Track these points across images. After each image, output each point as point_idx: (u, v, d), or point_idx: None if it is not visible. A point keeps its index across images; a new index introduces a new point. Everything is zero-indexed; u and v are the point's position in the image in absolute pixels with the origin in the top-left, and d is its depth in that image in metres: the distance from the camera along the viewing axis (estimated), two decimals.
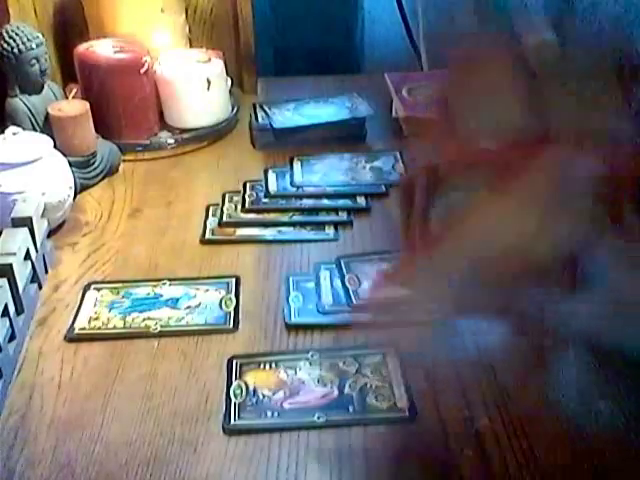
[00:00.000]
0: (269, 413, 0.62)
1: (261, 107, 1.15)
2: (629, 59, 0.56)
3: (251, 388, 0.65)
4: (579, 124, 0.51)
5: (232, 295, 0.77)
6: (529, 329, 0.59)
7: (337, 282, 0.78)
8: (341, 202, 0.93)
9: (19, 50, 0.92)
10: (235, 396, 0.64)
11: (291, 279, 0.79)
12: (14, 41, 0.92)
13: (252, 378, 0.66)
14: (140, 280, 0.80)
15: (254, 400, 0.64)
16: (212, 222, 0.90)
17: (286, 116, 1.11)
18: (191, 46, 1.20)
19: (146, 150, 1.07)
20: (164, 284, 0.79)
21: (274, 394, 0.64)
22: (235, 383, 0.66)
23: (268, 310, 0.75)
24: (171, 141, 1.08)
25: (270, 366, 0.68)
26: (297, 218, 0.91)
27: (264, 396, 0.64)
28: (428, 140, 0.59)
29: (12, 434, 0.61)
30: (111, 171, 1.01)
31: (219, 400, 0.64)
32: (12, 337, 0.69)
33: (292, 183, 0.97)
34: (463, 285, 0.53)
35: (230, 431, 0.61)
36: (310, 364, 0.68)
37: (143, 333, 0.72)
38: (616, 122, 0.51)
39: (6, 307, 0.68)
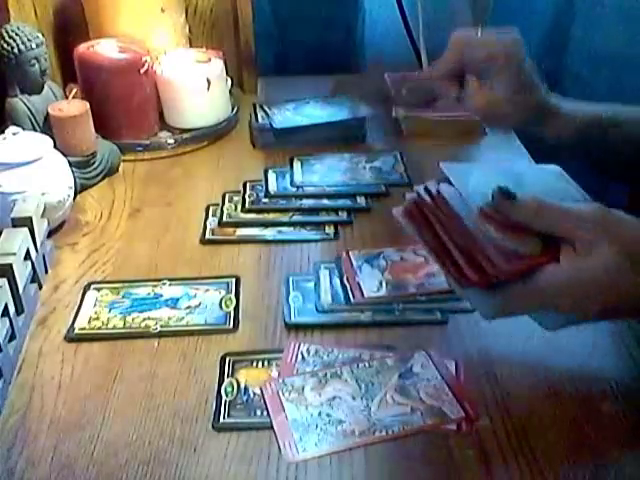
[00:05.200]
0: (259, 412, 0.63)
1: (261, 107, 1.15)
2: None
3: (242, 386, 0.65)
4: None
5: (232, 295, 0.77)
6: None
7: (336, 281, 0.78)
8: (341, 202, 0.93)
9: (19, 50, 0.92)
10: (226, 394, 0.64)
11: (291, 279, 0.79)
12: (14, 41, 0.92)
13: (244, 376, 0.66)
14: (140, 280, 0.80)
15: (244, 398, 0.64)
16: (212, 222, 0.90)
17: (286, 116, 1.11)
18: (191, 46, 1.20)
19: (146, 150, 1.07)
20: (164, 284, 0.79)
21: None
22: (227, 381, 0.66)
23: (268, 310, 0.75)
24: (171, 141, 1.08)
25: (262, 364, 0.68)
26: (297, 218, 0.91)
27: (255, 394, 0.64)
28: None
29: (12, 434, 0.61)
30: (111, 171, 1.01)
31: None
32: (12, 337, 0.69)
33: (292, 183, 0.97)
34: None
35: (219, 429, 0.61)
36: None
37: (143, 333, 0.72)
38: None
39: (6, 307, 0.68)
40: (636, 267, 0.53)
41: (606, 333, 0.70)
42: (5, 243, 0.73)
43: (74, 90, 1.12)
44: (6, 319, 0.68)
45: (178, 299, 0.77)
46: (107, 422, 0.62)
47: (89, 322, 0.74)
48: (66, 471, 0.58)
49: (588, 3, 1.27)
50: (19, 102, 0.95)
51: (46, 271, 0.81)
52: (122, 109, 1.05)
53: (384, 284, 0.77)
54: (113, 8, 1.10)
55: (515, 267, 0.55)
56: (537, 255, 0.55)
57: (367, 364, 0.67)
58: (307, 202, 0.94)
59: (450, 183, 0.61)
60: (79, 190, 0.95)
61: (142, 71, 1.04)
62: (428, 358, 0.67)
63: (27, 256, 0.75)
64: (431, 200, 0.60)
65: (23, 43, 0.93)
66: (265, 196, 0.95)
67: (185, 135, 1.09)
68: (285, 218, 0.91)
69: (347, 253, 0.83)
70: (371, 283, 0.77)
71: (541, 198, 0.56)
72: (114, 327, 0.73)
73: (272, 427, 0.61)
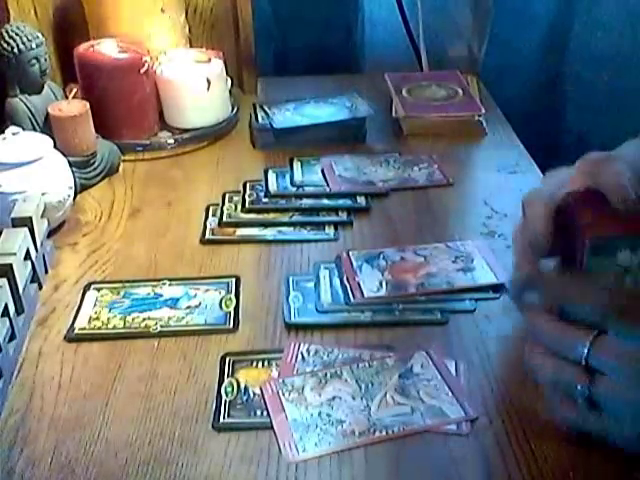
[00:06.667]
0: (259, 412, 0.63)
1: (261, 107, 1.15)
2: None
3: (242, 386, 0.65)
4: None
5: (232, 295, 0.77)
6: None
7: (336, 281, 0.78)
8: (341, 202, 0.93)
9: (19, 50, 0.92)
10: (226, 394, 0.64)
11: (291, 279, 0.79)
12: (14, 41, 0.92)
13: (244, 376, 0.66)
14: (140, 280, 0.80)
15: (244, 398, 0.64)
16: (212, 222, 0.90)
17: (286, 116, 1.11)
18: (191, 46, 1.20)
19: (146, 150, 1.07)
20: (164, 284, 0.79)
21: None
22: (227, 381, 0.66)
23: (268, 310, 0.75)
24: (171, 141, 1.08)
25: (262, 364, 0.68)
26: (297, 218, 0.91)
27: (255, 394, 0.64)
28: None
29: (12, 434, 0.61)
30: (111, 171, 1.01)
31: None
32: (12, 337, 0.69)
33: (292, 183, 0.97)
34: None
35: (219, 429, 0.61)
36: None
37: (143, 333, 0.72)
38: None
39: (6, 307, 0.68)
40: None
41: None
42: (5, 243, 0.73)
43: (74, 90, 1.12)
44: (6, 319, 0.68)
45: (178, 299, 0.77)
46: (107, 422, 0.62)
47: (89, 322, 0.74)
48: (66, 471, 0.58)
49: (588, 3, 1.27)
50: (19, 102, 0.95)
51: (46, 271, 0.81)
52: (122, 109, 1.05)
53: (384, 284, 0.77)
54: (113, 8, 1.10)
55: None
56: None
57: (367, 364, 0.67)
58: (307, 202, 0.94)
59: None
60: (79, 190, 0.95)
61: (142, 71, 1.04)
62: (428, 358, 0.67)
63: (27, 256, 0.75)
64: None
65: (23, 43, 0.93)
66: (265, 196, 0.95)
67: (185, 135, 1.09)
68: (285, 218, 0.91)
69: (347, 253, 0.83)
70: (371, 283, 0.77)
71: None
72: (114, 327, 0.73)
73: (272, 427, 0.61)
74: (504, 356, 0.69)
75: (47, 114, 0.95)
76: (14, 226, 0.77)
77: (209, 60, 1.11)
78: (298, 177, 0.99)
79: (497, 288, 0.77)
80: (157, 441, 0.60)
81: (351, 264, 0.81)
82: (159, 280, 0.79)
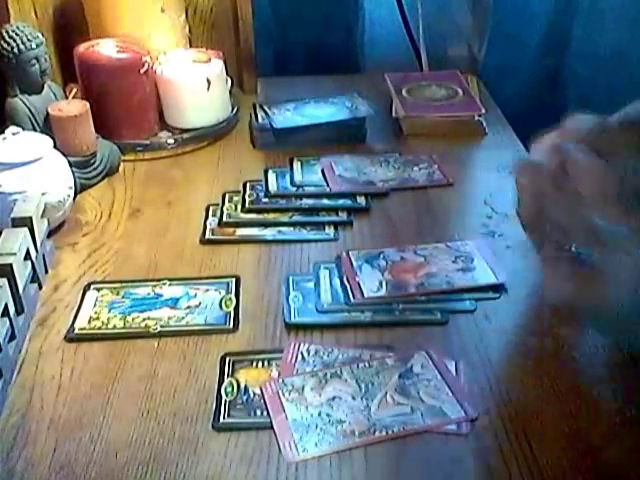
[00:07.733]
0: (259, 412, 0.63)
1: (261, 107, 1.15)
2: None
3: (242, 386, 0.65)
4: None
5: (232, 295, 0.77)
6: None
7: (336, 281, 0.78)
8: (341, 202, 0.93)
9: (19, 50, 0.92)
10: (226, 394, 0.64)
11: (291, 279, 0.79)
12: (14, 41, 0.92)
13: (244, 376, 0.66)
14: (140, 280, 0.80)
15: (244, 398, 0.64)
16: (212, 222, 0.90)
17: (286, 116, 1.11)
18: (191, 46, 1.20)
19: (146, 150, 1.07)
20: (164, 284, 0.79)
21: None
22: (227, 381, 0.66)
23: (268, 310, 0.75)
24: (171, 141, 1.08)
25: (262, 364, 0.68)
26: (297, 218, 0.91)
27: (255, 394, 0.64)
28: None
29: (12, 434, 0.61)
30: (111, 171, 1.01)
31: None
32: (12, 337, 0.69)
33: (292, 183, 0.97)
34: None
35: (219, 429, 0.61)
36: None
37: (143, 333, 0.72)
38: None
39: (6, 307, 0.68)
40: None
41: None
42: (5, 243, 0.73)
43: (74, 90, 1.12)
44: (6, 319, 0.68)
45: (178, 299, 0.77)
46: (107, 422, 0.62)
47: (89, 322, 0.74)
48: (66, 471, 0.58)
49: (588, 3, 1.28)
50: (19, 102, 0.95)
51: (46, 271, 0.81)
52: (122, 109, 1.05)
53: (384, 284, 0.77)
54: (113, 8, 1.10)
55: None
56: None
57: (367, 364, 0.67)
58: (307, 202, 0.94)
59: None
60: (79, 190, 0.95)
61: (142, 71, 1.04)
62: (428, 358, 0.67)
63: (27, 256, 0.76)
64: None
65: (23, 43, 0.93)
66: (265, 196, 0.95)
67: (185, 135, 1.09)
68: (285, 218, 0.91)
69: (347, 253, 0.83)
70: (371, 283, 0.77)
71: None
72: (114, 327, 0.73)
73: (272, 427, 0.61)
74: (504, 356, 0.69)
75: (47, 114, 0.95)
76: (14, 226, 0.77)
77: (209, 60, 1.11)
78: (298, 177, 0.99)
79: (497, 288, 0.77)
80: (157, 441, 0.60)
81: (351, 264, 0.81)
82: (159, 280, 0.79)
